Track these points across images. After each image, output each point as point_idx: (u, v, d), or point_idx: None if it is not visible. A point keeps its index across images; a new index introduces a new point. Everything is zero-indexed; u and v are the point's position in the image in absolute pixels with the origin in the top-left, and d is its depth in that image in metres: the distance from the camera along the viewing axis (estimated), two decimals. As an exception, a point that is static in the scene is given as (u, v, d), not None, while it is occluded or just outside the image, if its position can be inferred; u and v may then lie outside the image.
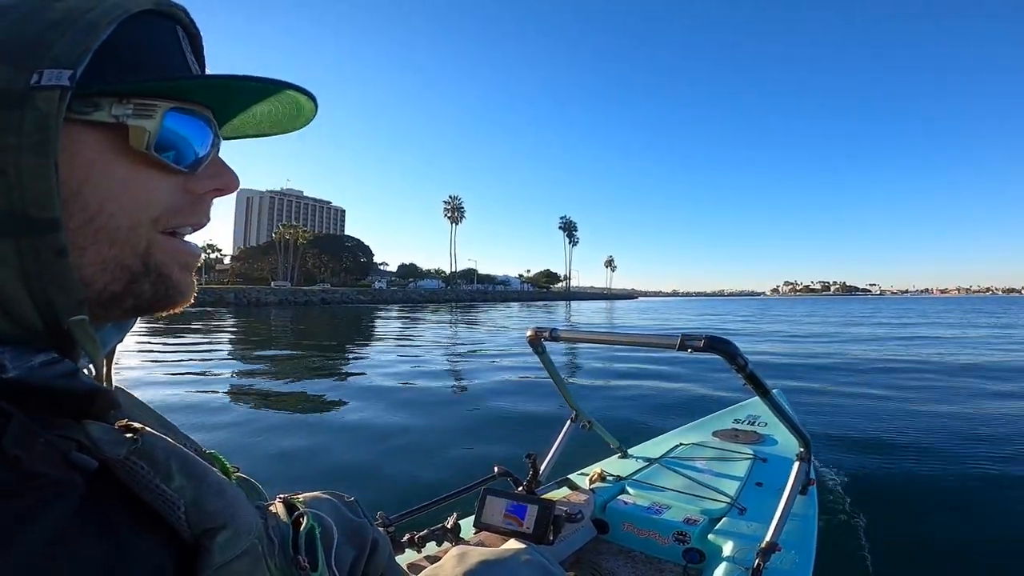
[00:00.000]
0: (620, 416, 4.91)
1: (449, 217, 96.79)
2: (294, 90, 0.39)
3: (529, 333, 1.58)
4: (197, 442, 0.45)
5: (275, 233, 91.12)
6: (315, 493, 0.69)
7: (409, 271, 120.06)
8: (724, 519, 1.65)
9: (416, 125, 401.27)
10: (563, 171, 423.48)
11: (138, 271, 0.36)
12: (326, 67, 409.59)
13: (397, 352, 10.62)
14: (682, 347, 1.17)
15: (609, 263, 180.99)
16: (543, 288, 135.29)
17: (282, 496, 0.55)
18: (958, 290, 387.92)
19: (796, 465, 1.64)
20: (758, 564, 1.34)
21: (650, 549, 1.63)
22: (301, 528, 0.49)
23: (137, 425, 0.34)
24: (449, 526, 1.36)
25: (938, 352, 10.83)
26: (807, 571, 1.46)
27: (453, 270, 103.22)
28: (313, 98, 0.41)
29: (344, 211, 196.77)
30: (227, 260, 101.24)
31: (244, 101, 0.41)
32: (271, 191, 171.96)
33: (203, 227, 0.41)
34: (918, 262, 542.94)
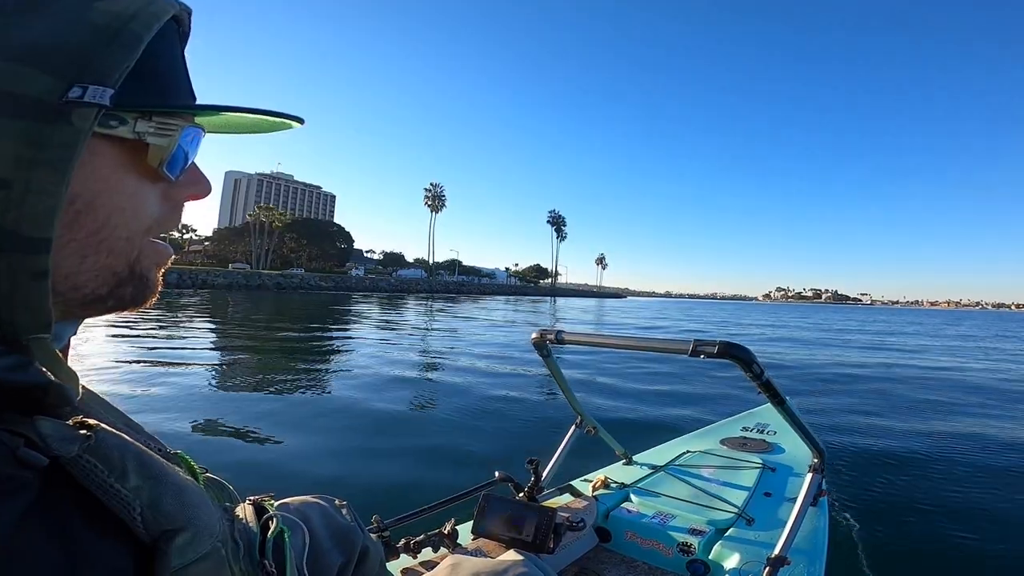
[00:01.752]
0: (625, 421, 4.79)
1: (429, 205, 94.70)
2: (297, 121, 0.40)
3: (534, 335, 1.52)
4: (163, 442, 0.43)
5: (250, 215, 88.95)
6: (304, 497, 0.67)
7: (394, 259, 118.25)
8: (731, 530, 1.60)
9: (410, 115, 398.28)
10: (559, 167, 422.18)
11: (124, 276, 0.36)
12: (319, 51, 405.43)
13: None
14: (695, 353, 1.13)
15: (600, 261, 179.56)
16: (530, 283, 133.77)
17: (252, 498, 0.53)
18: (947, 303, 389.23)
19: (809, 476, 1.58)
20: None
21: (653, 559, 1.59)
22: (269, 532, 0.48)
23: (92, 422, 0.32)
24: (446, 532, 1.32)
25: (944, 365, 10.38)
26: None
27: (432, 260, 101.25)
28: (301, 120, 0.42)
29: (334, 197, 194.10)
30: (207, 242, 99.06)
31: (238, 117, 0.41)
32: (260, 174, 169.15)
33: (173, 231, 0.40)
34: (911, 273, 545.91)
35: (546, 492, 1.74)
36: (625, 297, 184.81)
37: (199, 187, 0.41)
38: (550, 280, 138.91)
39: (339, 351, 9.53)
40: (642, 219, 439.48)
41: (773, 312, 57.01)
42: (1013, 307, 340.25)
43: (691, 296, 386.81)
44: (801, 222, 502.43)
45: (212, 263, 76.97)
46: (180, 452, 0.44)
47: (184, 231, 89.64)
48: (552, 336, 1.47)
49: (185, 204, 0.41)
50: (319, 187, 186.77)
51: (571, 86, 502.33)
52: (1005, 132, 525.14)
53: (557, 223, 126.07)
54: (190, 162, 0.39)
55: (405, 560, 1.27)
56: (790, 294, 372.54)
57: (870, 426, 4.99)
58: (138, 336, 9.68)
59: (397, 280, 77.54)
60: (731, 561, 1.44)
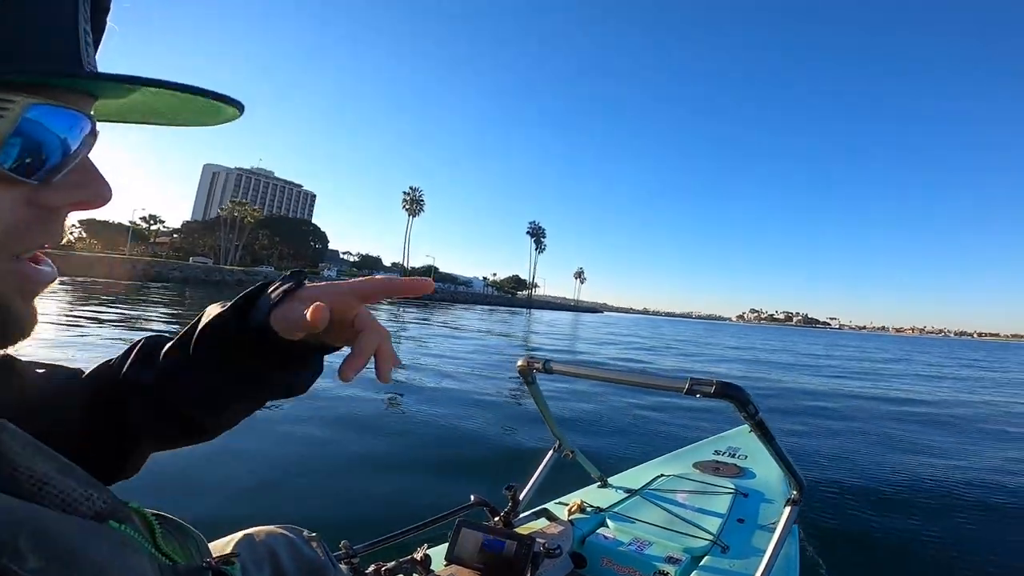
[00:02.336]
0: (598, 439, 4.76)
1: (407, 209, 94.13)
2: (210, 97, 0.30)
3: (520, 363, 1.51)
4: (107, 490, 0.34)
5: (222, 209, 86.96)
6: (271, 528, 0.64)
7: (369, 262, 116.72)
8: (706, 558, 1.60)
9: (391, 119, 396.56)
10: (541, 180, 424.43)
11: None
12: (303, 49, 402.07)
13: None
14: (690, 391, 1.13)
15: (579, 275, 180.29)
16: (507, 293, 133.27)
17: (212, 559, 0.45)
18: (912, 329, 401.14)
19: (787, 510, 1.57)
20: None
21: None
22: None
23: None
24: (419, 558, 1.27)
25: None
26: None
27: (407, 265, 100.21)
28: (239, 105, 0.32)
29: (314, 196, 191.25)
30: (175, 235, 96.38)
31: (145, 93, 0.30)
32: (239, 168, 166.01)
33: (55, 245, 0.32)
34: (878, 299, 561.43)
35: (521, 516, 1.69)
36: (602, 312, 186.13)
37: (86, 192, 0.30)
38: (527, 291, 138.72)
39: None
40: (623, 237, 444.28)
41: (744, 334, 57.53)
42: (975, 335, 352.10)
43: (667, 314, 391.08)
44: (776, 247, 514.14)
45: (179, 256, 74.89)
46: (131, 502, 0.36)
47: (151, 222, 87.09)
48: (539, 365, 1.46)
49: (67, 214, 0.31)
50: (300, 185, 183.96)
51: (559, 98, 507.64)
52: (971, 165, 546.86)
53: (537, 234, 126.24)
54: (73, 157, 0.29)
55: None
56: (763, 316, 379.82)
57: (838, 454, 4.99)
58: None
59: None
60: None
